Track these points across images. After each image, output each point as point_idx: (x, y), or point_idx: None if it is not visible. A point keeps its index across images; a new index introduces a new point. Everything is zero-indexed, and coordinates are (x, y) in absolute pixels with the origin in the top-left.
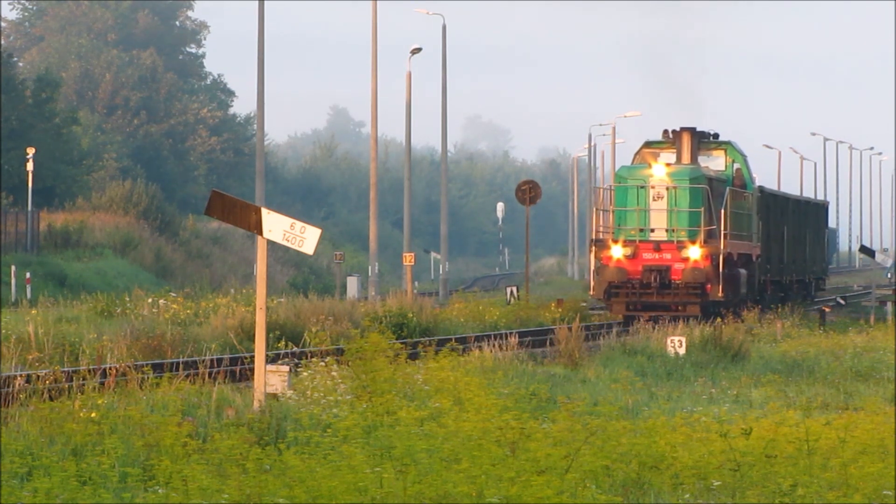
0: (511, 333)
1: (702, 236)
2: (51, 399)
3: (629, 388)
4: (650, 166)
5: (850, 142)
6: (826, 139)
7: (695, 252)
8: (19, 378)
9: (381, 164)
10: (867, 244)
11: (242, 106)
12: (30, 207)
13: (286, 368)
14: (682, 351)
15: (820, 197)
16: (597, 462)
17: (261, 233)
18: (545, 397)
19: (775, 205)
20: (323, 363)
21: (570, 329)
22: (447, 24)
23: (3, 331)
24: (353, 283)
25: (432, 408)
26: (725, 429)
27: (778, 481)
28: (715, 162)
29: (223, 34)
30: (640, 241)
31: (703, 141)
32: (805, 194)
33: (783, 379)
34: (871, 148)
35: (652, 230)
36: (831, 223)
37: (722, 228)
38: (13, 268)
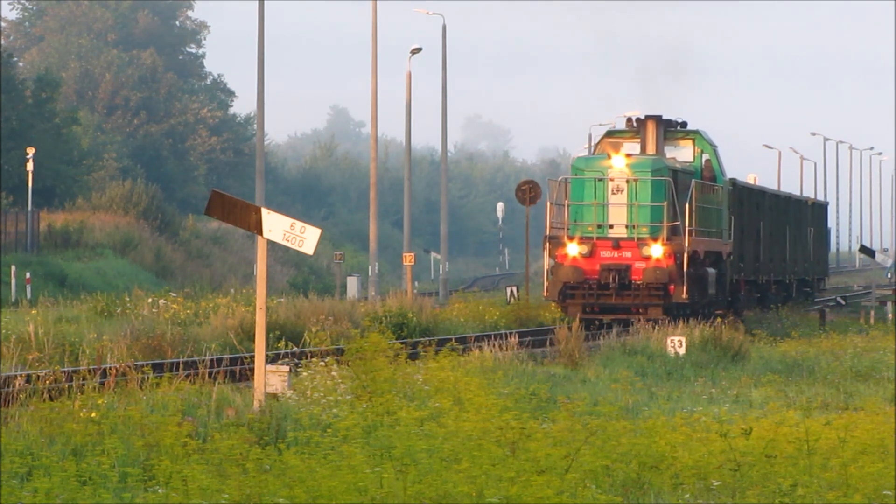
0: (511, 333)
1: (664, 233)
2: (51, 399)
3: (629, 388)
4: (609, 157)
5: (850, 142)
6: (826, 139)
7: (657, 250)
8: (19, 378)
9: (381, 164)
10: (867, 244)
11: (242, 106)
12: (30, 207)
13: (286, 368)
14: (682, 351)
15: (820, 197)
16: (597, 462)
17: (261, 233)
18: (545, 397)
19: (750, 199)
20: (323, 363)
21: (570, 329)
22: (447, 24)
23: (3, 331)
24: (353, 283)
25: (432, 408)
26: (725, 429)
27: (778, 481)
28: (682, 152)
29: (223, 34)
30: (598, 239)
31: (669, 130)
32: (805, 194)
33: (783, 379)
34: (871, 148)
35: (610, 226)
36: (830, 223)
37: (686, 224)
38: (13, 268)
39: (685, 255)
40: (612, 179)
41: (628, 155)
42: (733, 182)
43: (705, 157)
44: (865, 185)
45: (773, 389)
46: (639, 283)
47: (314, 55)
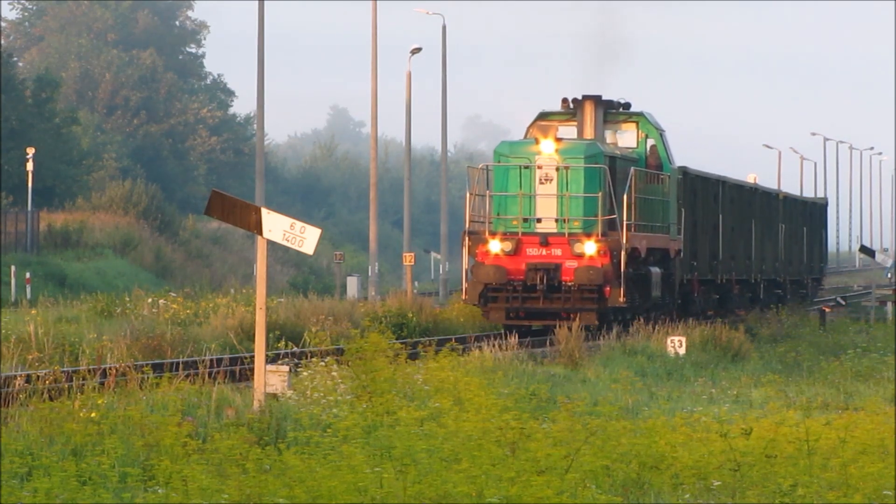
0: (511, 333)
1: (599, 228)
2: (51, 399)
3: (629, 388)
4: (538, 142)
5: (850, 142)
6: (826, 139)
7: (590, 247)
8: (19, 378)
9: (381, 164)
10: (867, 244)
11: (242, 106)
12: (30, 207)
13: (286, 368)
14: (682, 351)
15: (820, 196)
16: (597, 462)
17: (261, 233)
18: (545, 397)
19: (705, 190)
20: (323, 363)
21: (570, 329)
22: (447, 24)
23: (3, 331)
24: (353, 283)
25: (432, 408)
26: (725, 429)
27: (778, 481)
28: (625, 137)
29: (223, 34)
30: (524, 234)
31: (609, 112)
32: (805, 194)
33: (783, 379)
34: (871, 148)
35: (538, 220)
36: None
37: (625, 217)
38: (13, 268)
39: (623, 253)
40: (539, 167)
41: (558, 139)
42: (684, 171)
43: (650, 142)
44: (865, 185)
45: (773, 389)
46: (570, 284)
47: (314, 55)
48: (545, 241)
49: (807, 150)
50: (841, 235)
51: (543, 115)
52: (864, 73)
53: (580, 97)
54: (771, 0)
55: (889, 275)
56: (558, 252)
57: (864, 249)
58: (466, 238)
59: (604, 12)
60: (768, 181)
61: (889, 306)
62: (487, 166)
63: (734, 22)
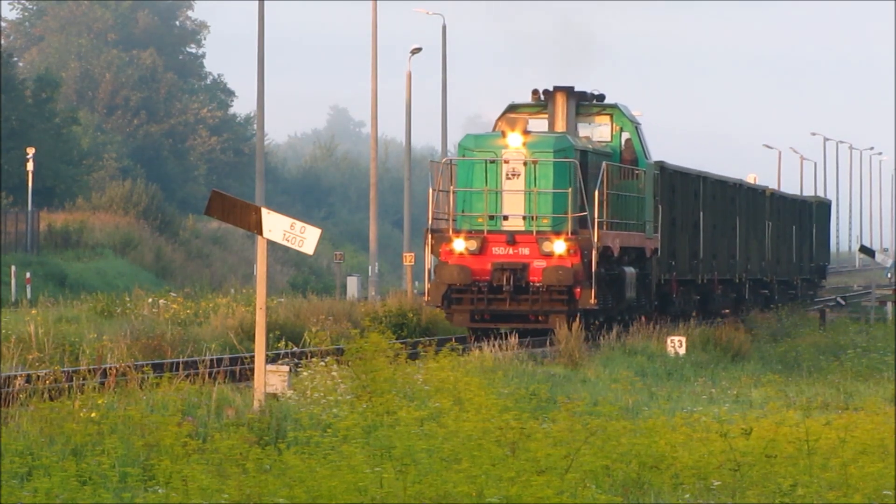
0: (511, 333)
1: (570, 225)
2: (51, 399)
3: (629, 388)
4: (504, 135)
5: (850, 142)
6: (826, 139)
7: (559, 246)
8: (19, 378)
9: (381, 164)
10: (867, 244)
11: (242, 106)
12: (30, 207)
13: (286, 368)
14: (682, 351)
15: (821, 195)
16: (597, 462)
17: (261, 233)
18: (545, 397)
19: (685, 186)
20: (323, 363)
21: (570, 329)
22: (447, 24)
23: (3, 331)
24: (353, 283)
25: (432, 408)
26: (725, 429)
27: (778, 481)
28: (599, 131)
29: (223, 34)
30: (489, 232)
31: (582, 104)
32: (806, 194)
33: (783, 379)
34: (871, 148)
35: (505, 217)
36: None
37: (596, 214)
38: (13, 268)
39: (594, 252)
40: (506, 161)
41: (526, 132)
42: (661, 166)
43: (625, 135)
44: (865, 185)
45: (773, 389)
46: (538, 285)
47: (314, 55)
48: (512, 239)
49: (807, 150)
50: (841, 235)
51: (512, 108)
52: (864, 73)
53: (551, 88)
54: (772, 0)
55: (889, 275)
56: (526, 251)
57: (864, 249)
58: (429, 236)
59: (603, 11)
60: (769, 181)
61: (889, 306)
62: (451, 160)
63: (734, 22)
